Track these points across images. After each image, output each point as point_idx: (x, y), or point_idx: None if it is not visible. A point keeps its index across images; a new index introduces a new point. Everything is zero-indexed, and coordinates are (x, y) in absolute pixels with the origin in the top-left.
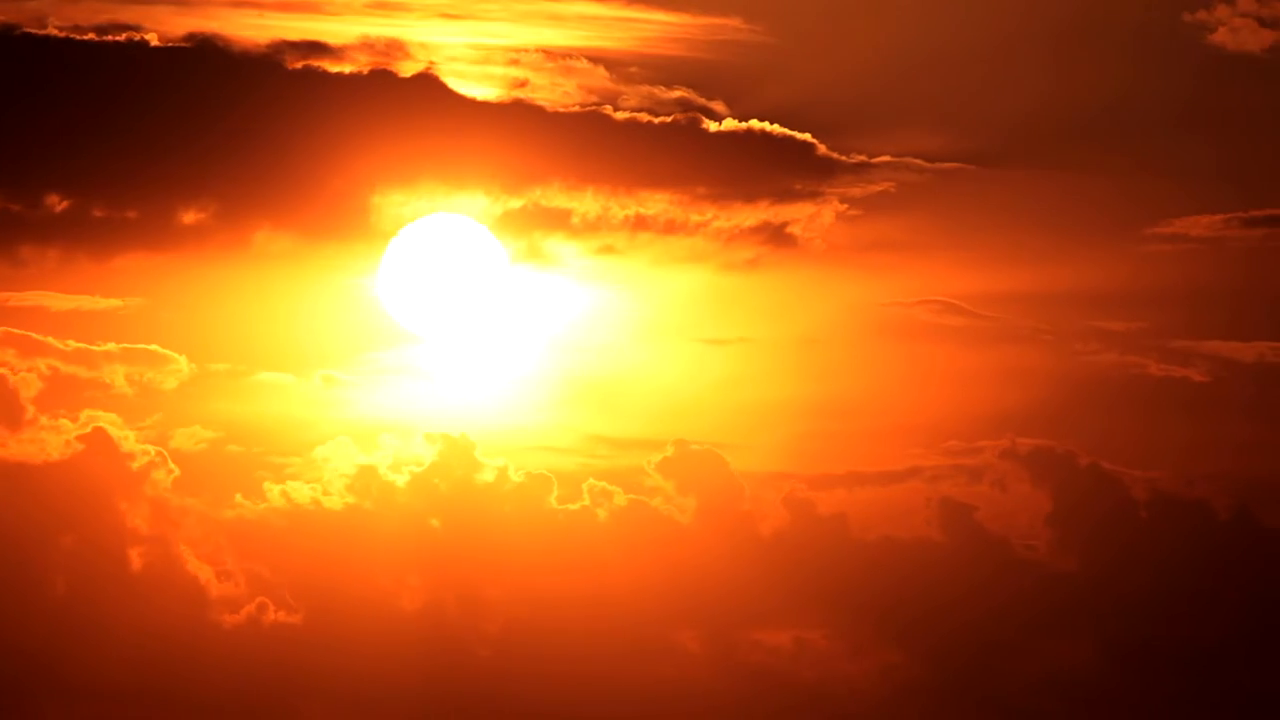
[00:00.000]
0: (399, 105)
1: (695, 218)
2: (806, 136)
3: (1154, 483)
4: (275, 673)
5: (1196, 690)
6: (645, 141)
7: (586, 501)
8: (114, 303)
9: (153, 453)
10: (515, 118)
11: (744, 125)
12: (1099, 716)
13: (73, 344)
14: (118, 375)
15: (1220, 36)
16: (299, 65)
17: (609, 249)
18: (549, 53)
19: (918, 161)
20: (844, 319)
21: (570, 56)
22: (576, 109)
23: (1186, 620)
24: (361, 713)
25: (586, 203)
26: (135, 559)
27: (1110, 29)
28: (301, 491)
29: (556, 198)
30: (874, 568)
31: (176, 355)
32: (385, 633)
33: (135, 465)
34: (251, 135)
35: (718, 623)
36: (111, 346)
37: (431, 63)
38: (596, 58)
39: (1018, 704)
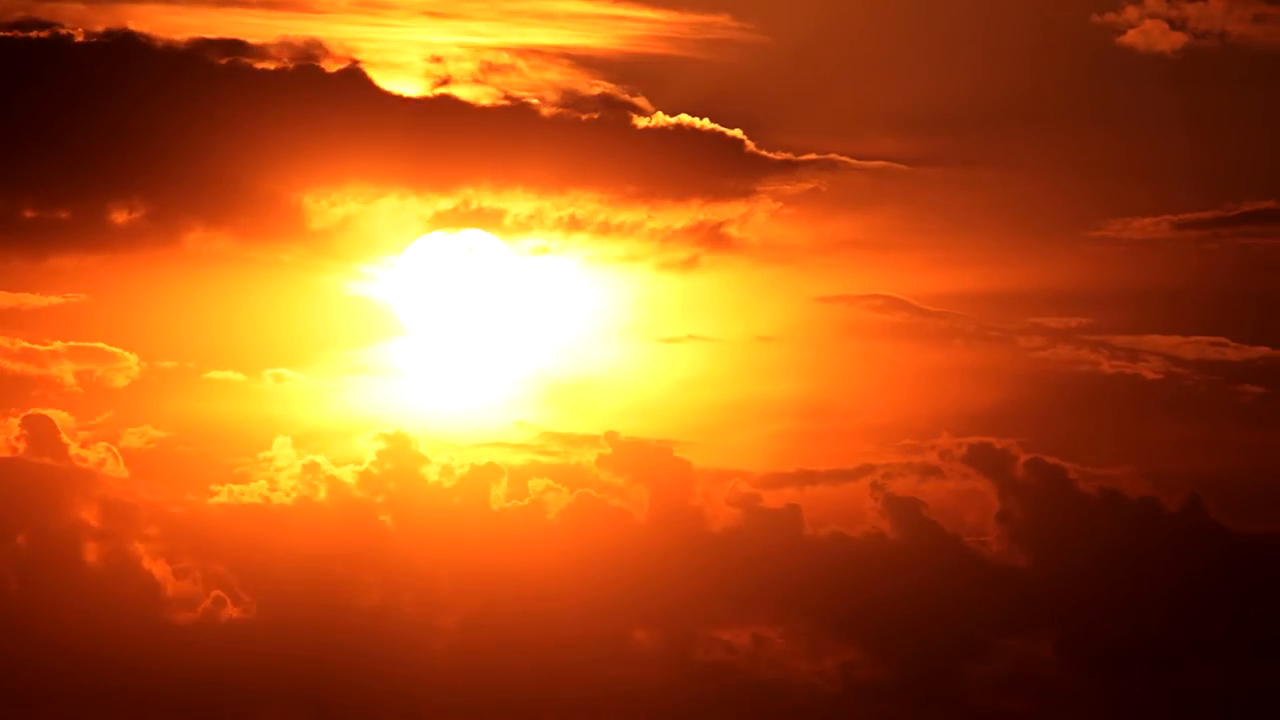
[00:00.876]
0: (325, 102)
1: (629, 218)
2: (736, 133)
3: (1107, 479)
4: (230, 670)
5: (1154, 688)
6: (573, 138)
7: (533, 497)
8: (55, 300)
9: (103, 451)
10: (441, 114)
11: (672, 121)
12: (1060, 715)
13: (21, 343)
14: (66, 373)
15: (1131, 38)
16: (223, 62)
17: (544, 249)
18: (477, 49)
19: (844, 159)
20: (790, 317)
21: (493, 51)
22: (503, 105)
23: (1141, 617)
24: (316, 708)
25: (518, 202)
26: (87, 557)
27: (1022, 31)
28: (251, 490)
29: (487, 197)
30: (827, 565)
31: (126, 353)
32: (340, 629)
33: (85, 464)
34: (179, 134)
35: (672, 620)
36: (59, 345)
37: (355, 59)
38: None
39: (978, 703)
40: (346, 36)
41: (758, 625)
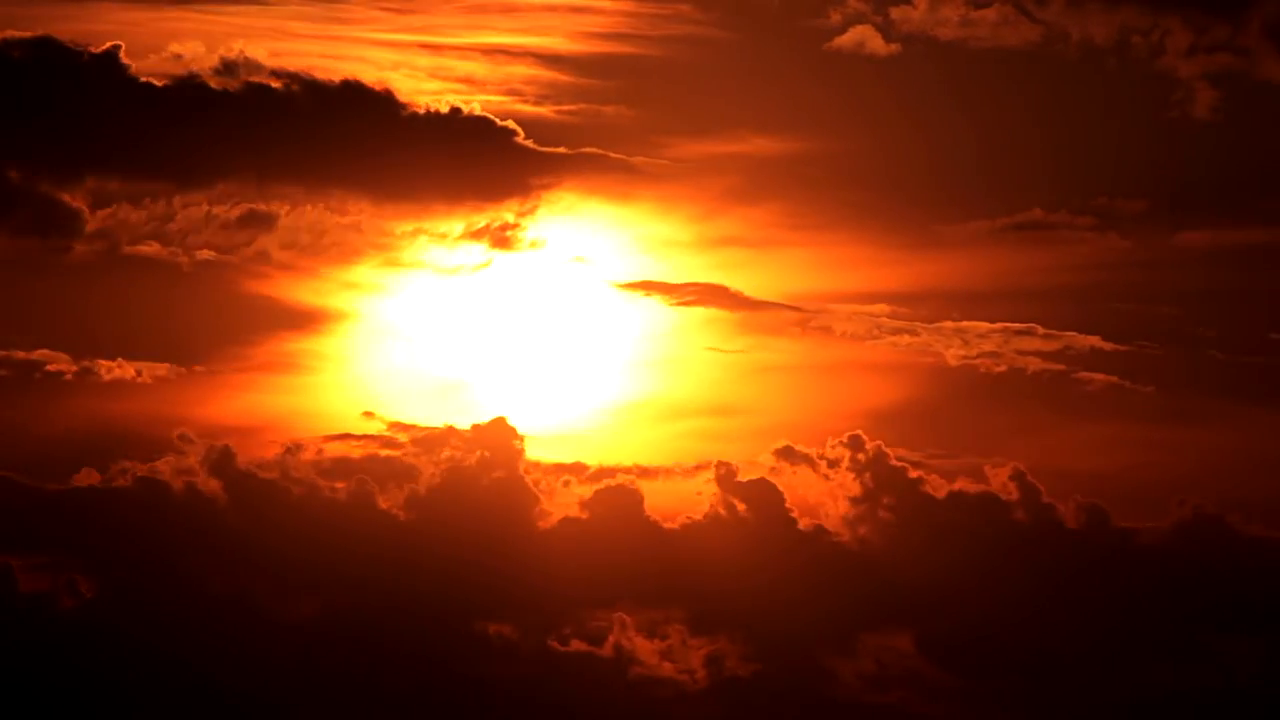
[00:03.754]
0: (76, 91)
1: (410, 226)
2: (509, 124)
3: (952, 473)
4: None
5: (1017, 686)
6: (338, 128)
7: (363, 487)
8: None
9: None
10: (187, 105)
11: (443, 110)
12: (928, 712)
13: None
14: None
15: (840, 42)
16: None
17: (327, 256)
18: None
19: (601, 153)
20: (610, 313)
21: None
22: (251, 95)
23: (993, 614)
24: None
25: (287, 202)
26: None
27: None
28: (88, 477)
29: (253, 194)
30: (671, 553)
31: None
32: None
33: None
34: None
35: (524, 612)
36: None
37: (114, 44)
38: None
39: (847, 698)
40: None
41: (613, 613)
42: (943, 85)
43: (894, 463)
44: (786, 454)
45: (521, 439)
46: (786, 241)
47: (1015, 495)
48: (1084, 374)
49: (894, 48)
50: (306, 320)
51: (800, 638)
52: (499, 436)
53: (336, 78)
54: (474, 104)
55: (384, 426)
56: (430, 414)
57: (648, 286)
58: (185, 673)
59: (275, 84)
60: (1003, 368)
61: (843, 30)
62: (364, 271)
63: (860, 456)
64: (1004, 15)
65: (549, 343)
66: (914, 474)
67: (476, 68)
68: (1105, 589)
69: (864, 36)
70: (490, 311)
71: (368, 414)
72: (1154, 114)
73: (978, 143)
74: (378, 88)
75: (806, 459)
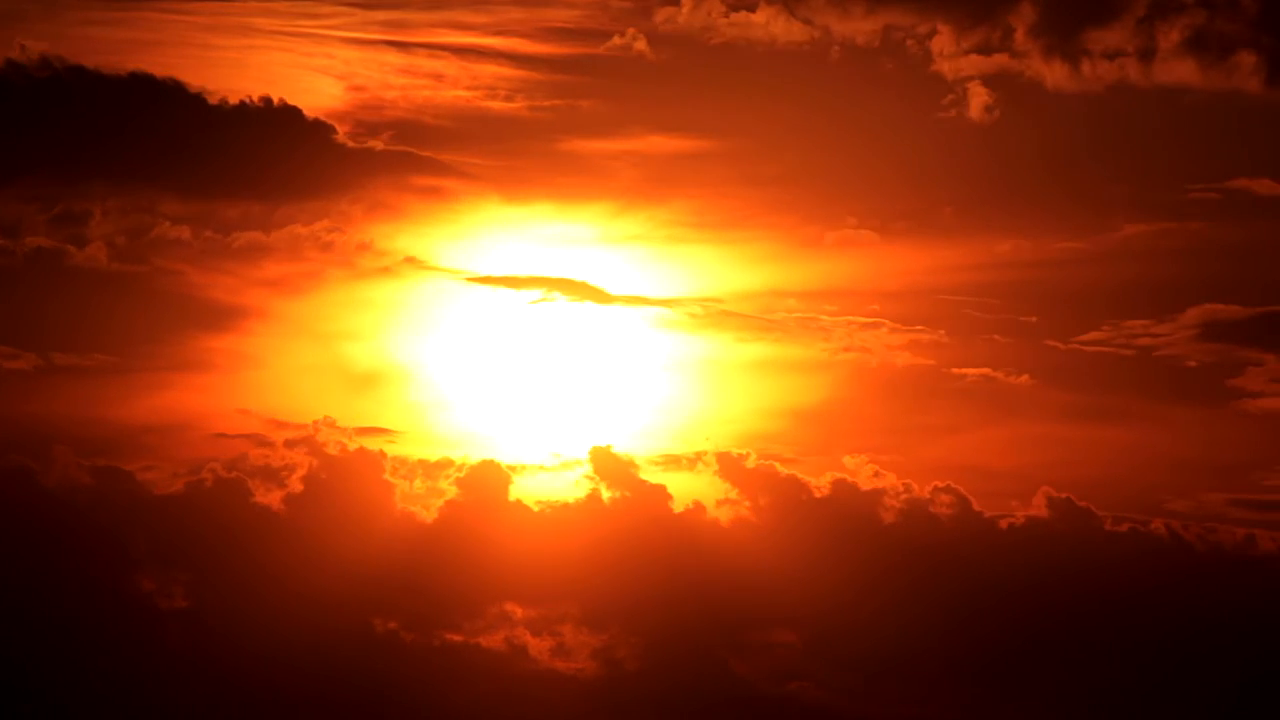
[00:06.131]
0: None
1: (229, 226)
2: (323, 119)
3: (820, 469)
4: None
5: (900, 678)
6: (132, 122)
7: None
8: None
9: None
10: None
11: (256, 103)
12: (825, 701)
13: None
14: None
15: (610, 46)
16: None
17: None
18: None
19: (413, 151)
20: (460, 311)
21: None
22: (39, 88)
23: (867, 609)
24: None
25: (97, 200)
26: None
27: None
28: None
29: (64, 192)
30: (554, 543)
31: None
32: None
33: None
34: None
35: (405, 608)
36: None
37: None
38: None
39: (742, 690)
40: None
41: (503, 607)
42: (719, 89)
43: (756, 464)
44: (651, 456)
45: (348, 433)
46: (653, 238)
47: (884, 488)
48: (957, 369)
49: (664, 54)
50: (177, 315)
51: (689, 630)
52: (328, 433)
53: (123, 70)
54: (281, 96)
55: (259, 424)
56: (308, 412)
57: (509, 282)
58: (65, 663)
59: (63, 78)
60: (875, 363)
61: (608, 37)
62: (195, 269)
63: (721, 456)
64: (770, 16)
65: (422, 342)
66: (771, 470)
67: (446, 65)
68: (975, 579)
69: (630, 39)
70: (364, 312)
71: (242, 411)
72: (929, 115)
73: (772, 150)
74: (165, 80)
75: (671, 460)
